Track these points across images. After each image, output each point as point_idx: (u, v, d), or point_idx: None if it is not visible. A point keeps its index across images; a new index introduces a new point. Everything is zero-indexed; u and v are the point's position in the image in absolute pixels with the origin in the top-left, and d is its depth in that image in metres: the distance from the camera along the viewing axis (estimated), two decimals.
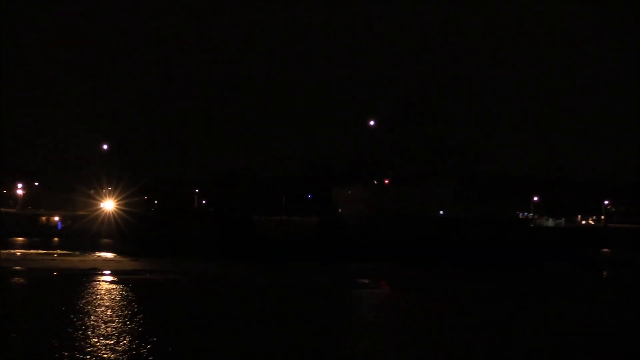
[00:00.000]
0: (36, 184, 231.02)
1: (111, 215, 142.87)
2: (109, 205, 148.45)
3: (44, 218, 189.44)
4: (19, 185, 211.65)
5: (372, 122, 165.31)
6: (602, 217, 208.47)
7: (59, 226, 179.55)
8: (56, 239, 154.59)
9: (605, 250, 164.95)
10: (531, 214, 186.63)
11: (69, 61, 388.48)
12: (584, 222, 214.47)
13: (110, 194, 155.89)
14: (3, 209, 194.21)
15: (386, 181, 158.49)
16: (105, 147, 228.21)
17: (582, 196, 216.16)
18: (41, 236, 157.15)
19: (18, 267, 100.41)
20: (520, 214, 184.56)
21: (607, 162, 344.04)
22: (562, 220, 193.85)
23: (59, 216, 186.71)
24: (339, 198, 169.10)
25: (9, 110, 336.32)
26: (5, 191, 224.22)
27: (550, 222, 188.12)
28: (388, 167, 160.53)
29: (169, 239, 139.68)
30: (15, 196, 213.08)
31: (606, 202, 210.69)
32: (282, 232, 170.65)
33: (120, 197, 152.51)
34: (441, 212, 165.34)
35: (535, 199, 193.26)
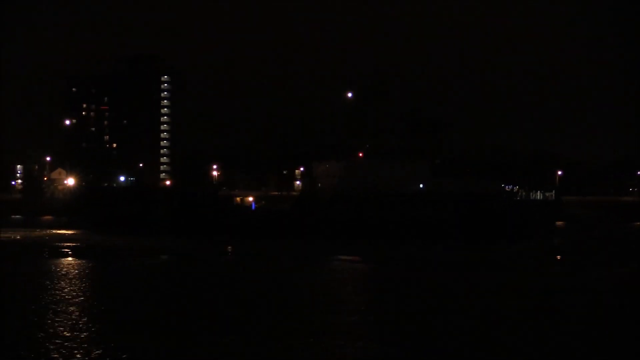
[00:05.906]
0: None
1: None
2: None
3: (238, 199, 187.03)
4: (214, 167, 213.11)
5: (349, 94, 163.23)
6: None
7: (253, 206, 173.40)
8: None
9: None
10: (517, 187, 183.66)
11: None
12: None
13: None
14: None
15: (360, 154, 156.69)
16: None
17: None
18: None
19: None
20: (507, 187, 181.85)
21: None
22: (552, 193, 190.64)
23: (253, 197, 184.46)
24: (318, 172, 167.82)
25: None
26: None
27: (539, 195, 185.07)
28: (364, 140, 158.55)
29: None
30: (211, 177, 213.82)
31: None
32: (261, 208, 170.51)
33: None
34: (421, 185, 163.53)
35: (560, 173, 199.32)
